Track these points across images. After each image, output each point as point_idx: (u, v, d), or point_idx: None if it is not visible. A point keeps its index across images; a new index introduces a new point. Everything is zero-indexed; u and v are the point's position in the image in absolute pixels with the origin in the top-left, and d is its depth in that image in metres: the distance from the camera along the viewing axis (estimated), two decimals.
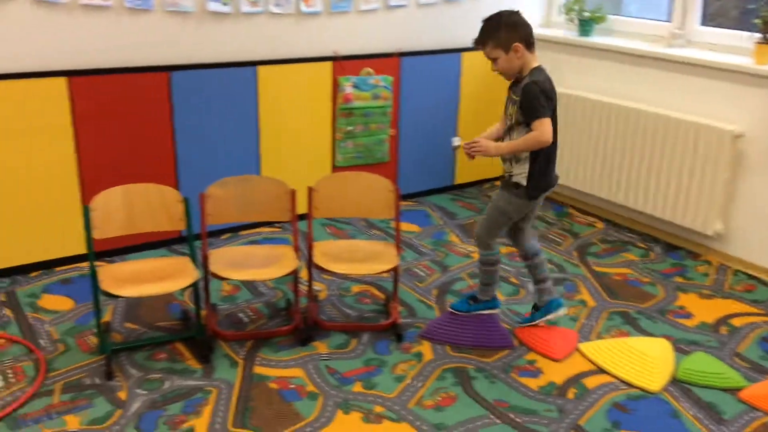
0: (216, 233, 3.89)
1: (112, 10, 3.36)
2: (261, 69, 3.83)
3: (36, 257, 3.49)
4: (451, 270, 3.67)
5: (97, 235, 2.81)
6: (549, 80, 2.71)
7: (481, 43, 2.75)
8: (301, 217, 3.14)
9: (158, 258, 3.49)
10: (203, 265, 2.93)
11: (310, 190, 3.08)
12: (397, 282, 3.18)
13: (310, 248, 3.05)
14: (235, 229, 4.00)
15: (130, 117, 3.52)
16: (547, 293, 3.04)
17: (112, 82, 3.44)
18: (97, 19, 3.34)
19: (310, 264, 3.05)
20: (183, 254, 3.51)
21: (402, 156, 4.48)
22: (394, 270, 3.07)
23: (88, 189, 3.45)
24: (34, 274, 3.47)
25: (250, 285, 3.43)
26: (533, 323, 3.06)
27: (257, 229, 4.05)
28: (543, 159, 2.74)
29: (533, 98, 2.63)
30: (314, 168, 4.10)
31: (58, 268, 3.52)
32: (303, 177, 3.36)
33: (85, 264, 3.52)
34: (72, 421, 2.46)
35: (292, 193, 3.06)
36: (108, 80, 3.43)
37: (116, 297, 2.69)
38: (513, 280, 3.59)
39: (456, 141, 2.85)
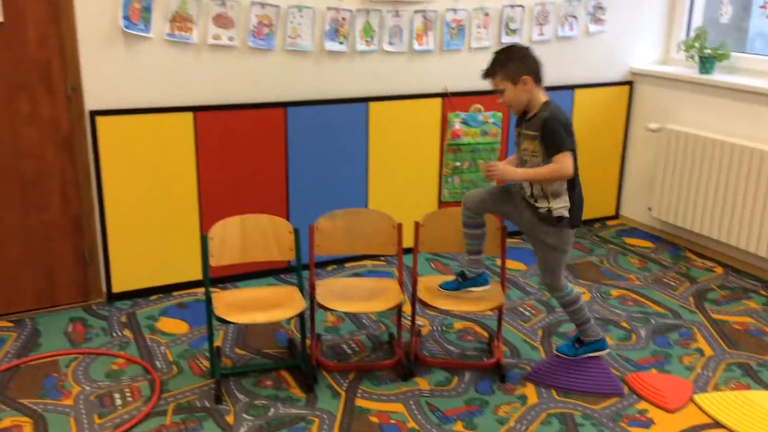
0: (322, 264, 3.98)
1: (237, 50, 3.55)
2: (372, 105, 3.92)
3: (156, 282, 3.68)
4: (557, 311, 3.57)
5: (213, 262, 2.94)
6: (563, 112, 2.76)
7: (490, 73, 2.79)
8: (406, 251, 3.16)
9: (268, 287, 3.61)
10: (310, 295, 3.00)
11: (417, 224, 3.10)
12: (501, 321, 3.13)
13: (414, 283, 3.06)
14: (340, 261, 4.08)
15: (248, 150, 3.69)
16: (481, 266, 2.98)
17: (233, 117, 3.62)
18: (223, 58, 3.54)
19: (414, 298, 3.06)
20: (290, 283, 3.61)
21: None
22: (499, 308, 3.02)
23: (206, 218, 3.63)
24: (153, 297, 3.66)
25: (353, 317, 3.48)
26: (457, 290, 2.99)
27: (362, 262, 4.11)
28: (578, 190, 2.79)
29: (554, 132, 2.68)
30: (421, 203, 4.13)
31: (175, 293, 3.71)
32: (409, 211, 3.39)
33: (200, 290, 3.68)
34: None
35: (399, 227, 3.09)
36: (229, 115, 3.61)
37: (228, 323, 2.79)
38: (624, 324, 3.45)
39: None
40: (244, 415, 2.70)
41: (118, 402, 2.77)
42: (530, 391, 2.89)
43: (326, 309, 2.92)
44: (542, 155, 2.73)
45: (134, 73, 3.39)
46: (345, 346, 3.23)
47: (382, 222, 3.11)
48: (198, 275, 3.68)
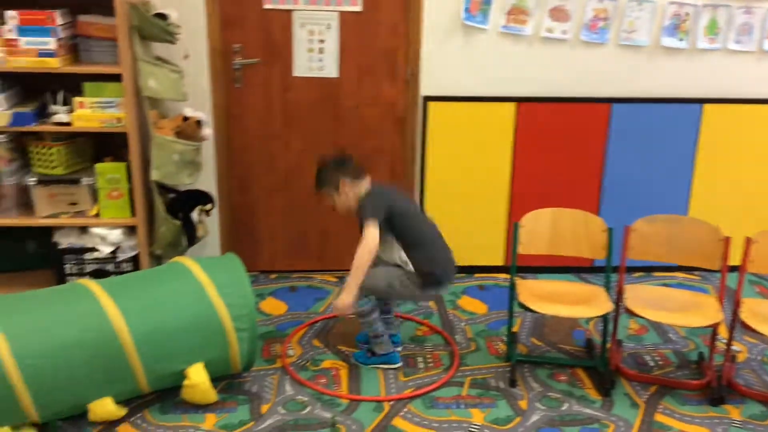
0: (629, 269, 3.78)
1: (568, 43, 3.54)
2: (707, 107, 3.63)
3: (461, 261, 3.83)
4: None
5: (521, 250, 2.99)
6: (382, 188, 2.86)
7: (317, 189, 2.91)
8: (728, 269, 2.89)
9: (572, 282, 3.57)
10: (616, 298, 2.91)
11: (748, 240, 2.82)
12: None
13: (737, 304, 2.79)
14: (647, 269, 3.87)
15: (565, 143, 3.67)
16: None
17: (554, 111, 3.63)
18: (552, 51, 3.55)
19: (734, 321, 2.79)
20: (591, 283, 3.53)
21: None
22: None
23: (515, 207, 3.70)
24: (458, 276, 3.84)
25: (660, 328, 3.29)
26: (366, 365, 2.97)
27: (672, 273, 3.86)
28: (424, 253, 2.83)
29: (361, 205, 2.77)
30: (751, 217, 3.73)
31: (476, 275, 3.85)
32: (737, 225, 3.08)
33: (499, 275, 3.79)
34: (476, 414, 2.66)
35: (726, 242, 2.84)
36: (550, 108, 3.62)
37: (530, 311, 2.83)
38: None
39: None
40: (537, 404, 2.72)
41: (420, 365, 2.98)
42: None
43: (635, 315, 2.80)
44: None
45: (466, 62, 3.56)
46: (647, 357, 3.07)
47: (708, 233, 2.89)
48: (497, 261, 3.81)
